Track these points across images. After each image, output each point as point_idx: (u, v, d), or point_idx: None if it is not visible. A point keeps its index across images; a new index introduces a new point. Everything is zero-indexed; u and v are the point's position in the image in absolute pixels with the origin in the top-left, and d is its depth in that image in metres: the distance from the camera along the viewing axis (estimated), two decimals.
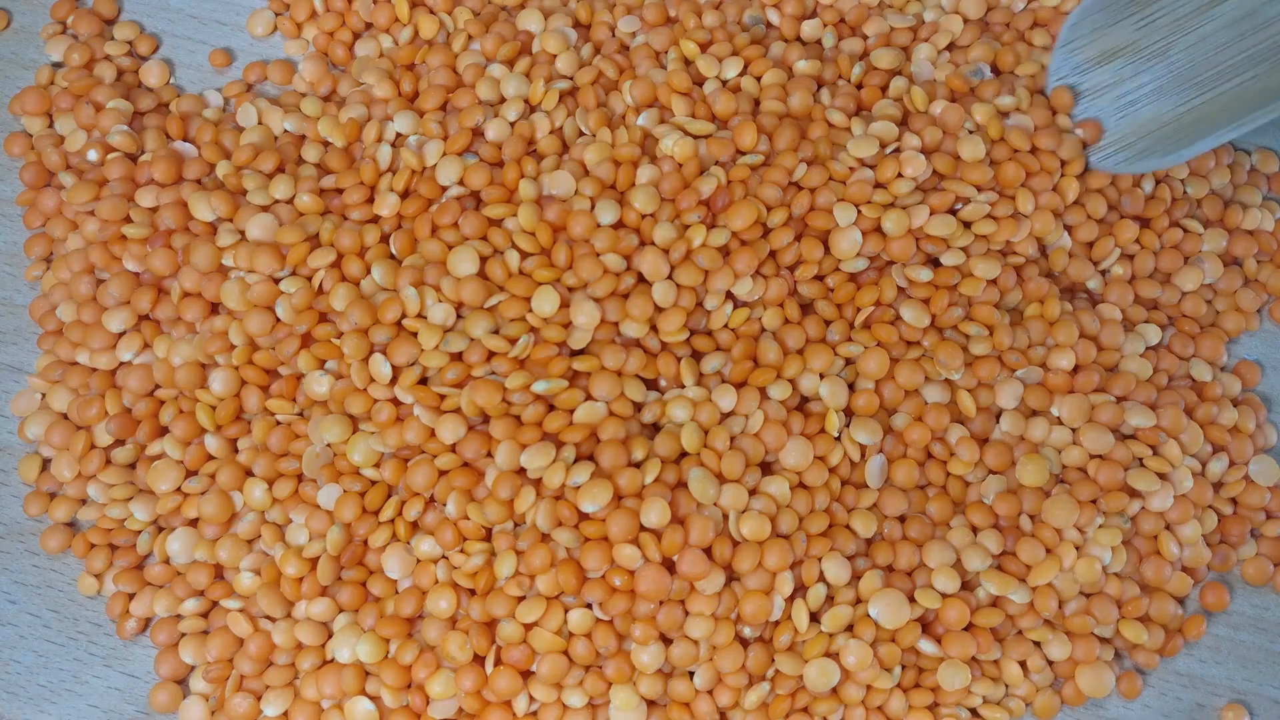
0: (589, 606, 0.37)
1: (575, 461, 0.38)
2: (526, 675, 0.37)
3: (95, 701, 0.39)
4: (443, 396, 0.38)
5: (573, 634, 0.37)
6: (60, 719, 0.39)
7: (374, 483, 0.39)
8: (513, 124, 0.43)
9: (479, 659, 0.37)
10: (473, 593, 0.38)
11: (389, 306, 0.39)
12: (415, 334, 0.39)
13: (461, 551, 0.38)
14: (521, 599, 0.37)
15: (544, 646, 0.37)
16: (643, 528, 0.37)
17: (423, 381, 0.39)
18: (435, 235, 0.40)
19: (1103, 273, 0.44)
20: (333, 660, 0.38)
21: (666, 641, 0.37)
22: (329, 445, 0.39)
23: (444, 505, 0.38)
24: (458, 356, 0.39)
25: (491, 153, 0.42)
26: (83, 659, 0.39)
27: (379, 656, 0.37)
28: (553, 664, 0.37)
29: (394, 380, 0.39)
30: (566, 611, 0.37)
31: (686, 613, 0.37)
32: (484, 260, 0.40)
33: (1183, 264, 0.44)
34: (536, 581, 0.37)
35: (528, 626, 0.37)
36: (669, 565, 0.37)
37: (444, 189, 0.42)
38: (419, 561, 0.38)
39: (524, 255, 0.40)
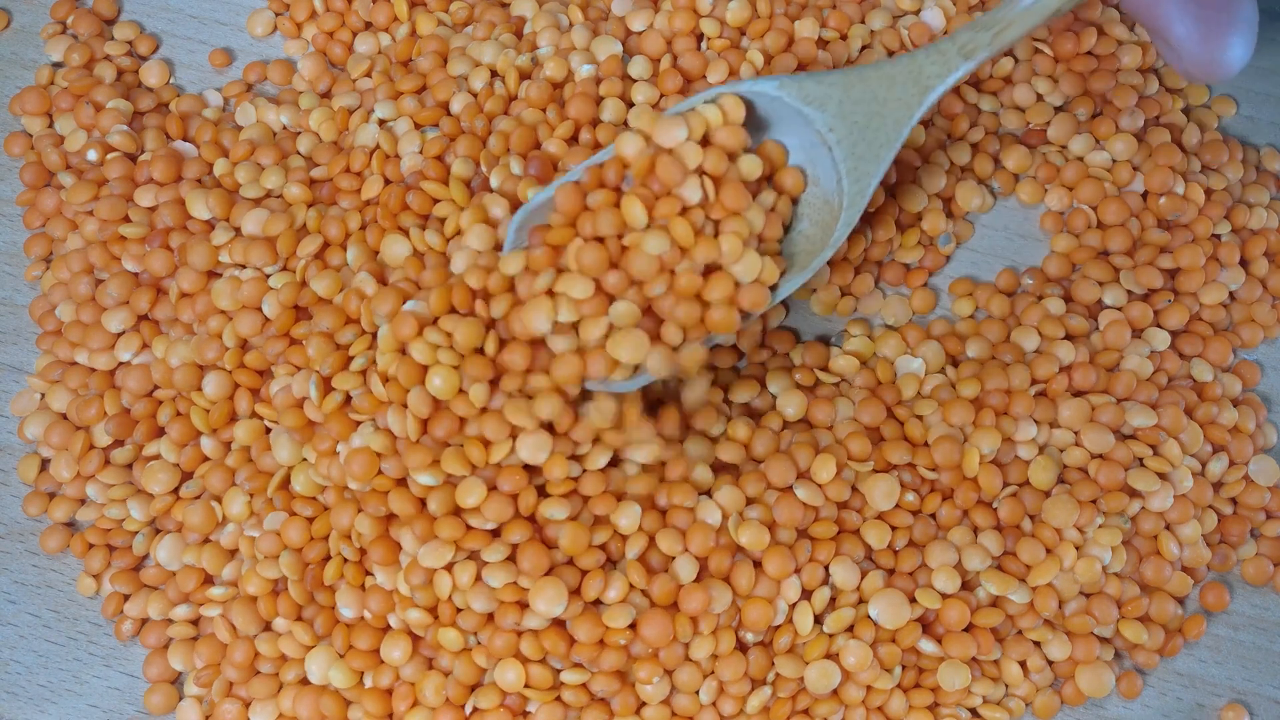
0: (579, 665, 0.36)
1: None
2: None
3: (95, 701, 0.39)
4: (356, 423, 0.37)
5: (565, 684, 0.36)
6: (60, 719, 0.39)
7: (328, 507, 0.38)
8: (475, 94, 0.42)
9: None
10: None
11: (349, 299, 0.38)
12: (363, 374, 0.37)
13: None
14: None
15: (537, 696, 0.36)
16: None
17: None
18: (396, 225, 0.40)
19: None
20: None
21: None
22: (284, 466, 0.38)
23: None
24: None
25: (453, 126, 0.42)
26: (83, 659, 0.39)
27: (351, 683, 0.37)
28: (548, 714, 0.36)
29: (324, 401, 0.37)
30: (559, 673, 0.36)
31: (687, 646, 0.37)
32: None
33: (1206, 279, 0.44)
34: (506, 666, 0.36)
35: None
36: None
37: (411, 166, 0.41)
38: (376, 594, 0.37)
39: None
